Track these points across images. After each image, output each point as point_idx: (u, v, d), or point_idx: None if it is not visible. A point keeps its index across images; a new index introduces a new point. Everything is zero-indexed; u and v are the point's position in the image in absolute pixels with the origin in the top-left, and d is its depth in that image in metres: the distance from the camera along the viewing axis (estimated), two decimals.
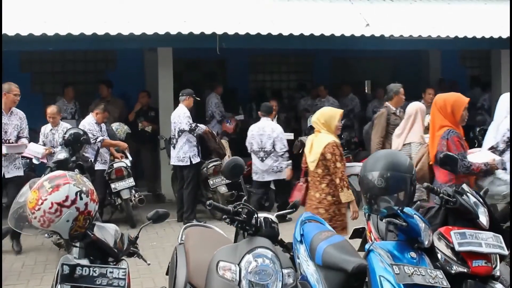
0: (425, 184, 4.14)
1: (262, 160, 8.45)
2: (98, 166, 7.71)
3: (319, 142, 5.29)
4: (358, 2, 10.70)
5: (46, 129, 7.53)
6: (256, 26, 8.57)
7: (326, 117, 5.36)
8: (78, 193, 3.04)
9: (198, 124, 8.18)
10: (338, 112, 5.48)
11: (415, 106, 6.41)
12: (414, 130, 6.23)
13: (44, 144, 7.37)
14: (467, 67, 13.93)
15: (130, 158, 8.31)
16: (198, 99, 8.65)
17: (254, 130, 8.54)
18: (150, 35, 8.06)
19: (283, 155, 8.43)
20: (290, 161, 8.41)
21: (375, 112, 8.38)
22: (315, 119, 5.45)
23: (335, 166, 5.18)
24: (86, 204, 3.06)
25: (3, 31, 7.59)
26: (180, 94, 8.26)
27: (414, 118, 6.26)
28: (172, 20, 8.58)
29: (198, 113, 9.99)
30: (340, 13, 10.04)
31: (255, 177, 8.57)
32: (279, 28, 8.63)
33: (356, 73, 13.46)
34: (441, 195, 3.84)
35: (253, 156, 8.55)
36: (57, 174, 3.18)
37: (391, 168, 3.47)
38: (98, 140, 7.74)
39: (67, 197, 3.00)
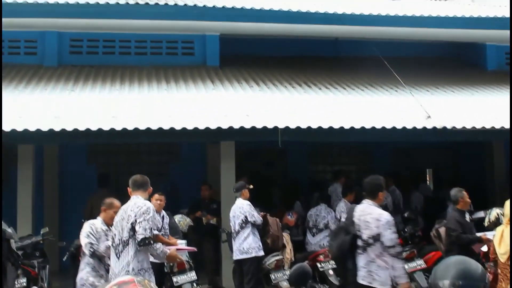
0: None
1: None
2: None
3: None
4: (419, 94, 10.75)
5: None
6: (317, 120, 8.66)
7: None
8: None
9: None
10: None
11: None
12: None
13: None
14: None
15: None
16: (251, 186, 8.67)
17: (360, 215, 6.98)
18: (214, 129, 8.24)
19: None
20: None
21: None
22: (504, 211, 5.36)
23: None
24: None
25: (75, 126, 7.94)
26: (234, 190, 8.35)
27: None
28: (235, 115, 8.79)
29: None
30: (401, 105, 10.06)
31: None
32: (340, 121, 8.68)
33: (417, 162, 13.33)
34: None
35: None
36: (125, 279, 3.19)
37: (462, 276, 3.34)
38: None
39: None
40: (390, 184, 11.26)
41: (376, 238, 5.87)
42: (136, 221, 5.68)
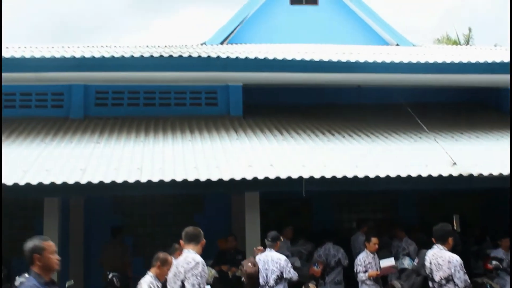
0: None
1: None
2: None
3: None
4: (444, 140, 10.70)
5: None
6: (341, 169, 8.63)
7: None
8: None
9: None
10: None
11: None
12: None
13: None
14: None
15: None
16: (282, 239, 8.63)
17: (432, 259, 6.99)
18: (238, 180, 8.24)
19: None
20: None
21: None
22: None
23: None
24: None
25: (101, 179, 8.01)
26: (267, 239, 8.29)
27: None
28: (259, 165, 8.81)
29: None
30: (426, 152, 10.00)
31: None
32: (365, 170, 8.64)
33: (443, 208, 13.16)
34: None
35: None
36: None
37: None
38: None
39: None
40: (402, 236, 10.95)
41: (449, 279, 6.57)
42: (185, 277, 5.66)
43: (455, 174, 8.90)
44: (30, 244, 4.48)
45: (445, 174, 8.85)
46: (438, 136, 11.04)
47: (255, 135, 10.57)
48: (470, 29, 29.77)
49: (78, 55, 10.76)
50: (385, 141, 10.58)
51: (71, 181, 7.99)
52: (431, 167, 9.06)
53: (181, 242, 6.06)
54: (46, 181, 7.95)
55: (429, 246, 9.82)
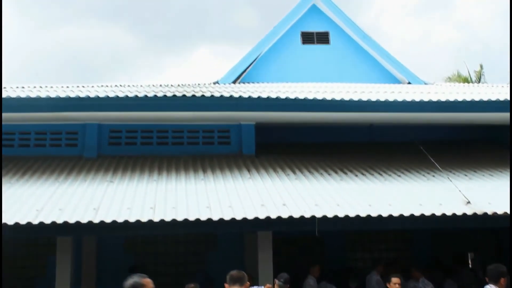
0: None
1: None
2: None
3: None
4: (457, 179, 10.66)
5: None
6: (354, 209, 8.60)
7: None
8: None
9: None
10: None
11: None
12: None
13: None
14: None
15: None
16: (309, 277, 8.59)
17: None
18: (251, 219, 8.22)
19: None
20: None
21: None
22: None
23: None
24: None
25: (114, 218, 8.03)
26: (279, 280, 8.23)
27: None
28: (272, 204, 8.80)
29: None
30: (439, 191, 9.95)
31: None
32: (378, 209, 8.61)
33: (458, 246, 13.03)
34: None
35: None
36: None
37: None
38: None
39: None
40: (418, 277, 10.77)
41: None
42: None
43: (469, 213, 8.83)
44: (130, 281, 4.61)
45: (459, 213, 8.78)
46: (451, 174, 11.00)
47: (267, 174, 10.59)
48: (481, 66, 29.84)
49: (92, 95, 10.89)
50: (398, 180, 10.56)
51: (84, 220, 8.00)
52: (445, 206, 9.00)
53: (226, 285, 6.19)
54: (59, 220, 7.97)
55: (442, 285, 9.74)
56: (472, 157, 12.52)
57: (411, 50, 51.47)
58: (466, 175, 11.08)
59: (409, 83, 17.72)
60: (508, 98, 11.72)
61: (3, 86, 13.04)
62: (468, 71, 30.09)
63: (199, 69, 54.61)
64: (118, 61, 56.33)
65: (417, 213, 8.62)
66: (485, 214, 8.90)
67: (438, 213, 8.70)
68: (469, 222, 9.17)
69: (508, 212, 8.96)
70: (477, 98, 11.77)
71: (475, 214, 8.84)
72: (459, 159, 12.19)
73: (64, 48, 51.83)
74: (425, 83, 17.67)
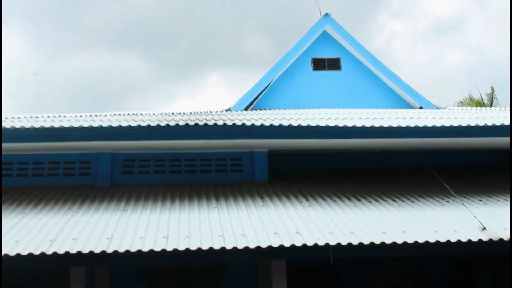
0: None
1: None
2: None
3: None
4: (471, 204, 10.57)
5: None
6: (368, 236, 8.55)
7: None
8: None
9: None
10: None
11: None
12: None
13: None
14: None
15: None
16: None
17: None
18: (264, 248, 8.19)
19: None
20: None
21: None
22: None
23: None
24: None
25: (127, 248, 8.02)
26: None
27: None
28: (285, 232, 8.76)
29: None
30: (454, 217, 9.89)
31: None
32: (392, 237, 8.55)
33: (474, 271, 12.88)
34: None
35: None
36: None
37: None
38: None
39: None
40: None
41: None
42: None
43: (485, 239, 8.75)
44: None
45: (474, 239, 8.70)
46: (466, 200, 10.93)
47: (280, 201, 10.57)
48: (492, 89, 29.89)
49: (105, 124, 10.97)
50: (412, 206, 10.49)
51: (97, 250, 8.01)
52: (460, 232, 8.93)
53: None
54: (73, 251, 7.98)
55: None
56: (487, 182, 12.43)
57: (422, 73, 51.53)
58: (480, 200, 11.00)
59: (420, 107, 17.71)
60: None
61: (17, 116, 13.18)
62: (480, 94, 30.13)
63: (211, 95, 54.94)
64: (130, 89, 56.85)
65: (432, 240, 8.55)
66: (501, 240, 8.82)
67: (453, 240, 8.63)
68: (484, 248, 9.09)
69: None
70: (489, 123, 11.74)
71: (490, 240, 8.75)
72: (473, 184, 12.11)
73: (77, 77, 52.39)
74: (437, 108, 17.66)
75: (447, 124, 11.45)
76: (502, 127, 11.67)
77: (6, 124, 11.04)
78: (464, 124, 11.52)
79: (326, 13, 18.61)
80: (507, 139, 11.83)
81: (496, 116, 13.39)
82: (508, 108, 17.44)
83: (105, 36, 54.96)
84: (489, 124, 11.67)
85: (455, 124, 11.48)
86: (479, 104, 29.20)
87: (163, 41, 56.96)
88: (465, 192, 11.41)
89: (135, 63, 55.57)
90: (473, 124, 11.53)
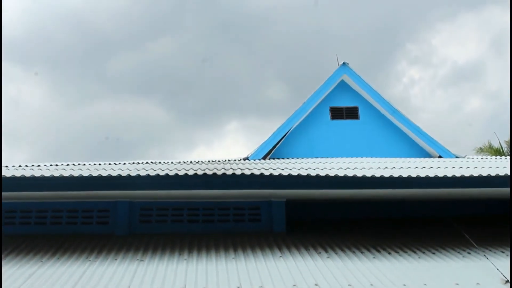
0: None
1: None
2: None
3: None
4: (493, 256, 10.39)
5: None
6: None
7: None
8: None
9: None
10: None
11: None
12: None
13: None
14: None
15: None
16: None
17: None
18: None
19: None
20: None
21: None
22: None
23: None
24: None
25: None
26: None
27: None
28: (304, 284, 8.66)
29: None
30: (475, 269, 9.71)
31: None
32: None
33: None
34: None
35: None
36: None
37: None
38: None
39: None
40: None
41: None
42: None
43: None
44: None
45: None
46: (488, 251, 10.74)
47: (299, 252, 10.45)
48: None
49: (124, 173, 11.02)
50: (432, 258, 10.33)
51: None
52: (482, 285, 8.80)
53: None
54: None
55: None
56: (508, 233, 12.22)
57: (441, 120, 51.47)
58: (503, 252, 10.79)
59: (440, 156, 17.63)
60: None
61: (36, 164, 13.31)
62: (499, 142, 29.97)
63: (230, 142, 55.20)
64: (150, 136, 57.30)
65: None
66: None
67: None
68: None
69: None
70: (509, 173, 11.62)
71: None
72: (494, 235, 11.91)
73: (98, 125, 52.99)
74: (456, 157, 17.57)
75: (467, 174, 11.35)
76: None
77: (26, 173, 11.14)
78: (484, 174, 11.41)
79: (343, 63, 18.80)
80: None
81: None
82: None
83: (126, 84, 55.81)
84: (510, 173, 11.55)
85: (475, 174, 11.37)
86: (499, 151, 29.04)
87: (183, 89, 57.71)
88: (486, 243, 11.22)
89: (155, 110, 56.18)
90: (493, 174, 11.42)
